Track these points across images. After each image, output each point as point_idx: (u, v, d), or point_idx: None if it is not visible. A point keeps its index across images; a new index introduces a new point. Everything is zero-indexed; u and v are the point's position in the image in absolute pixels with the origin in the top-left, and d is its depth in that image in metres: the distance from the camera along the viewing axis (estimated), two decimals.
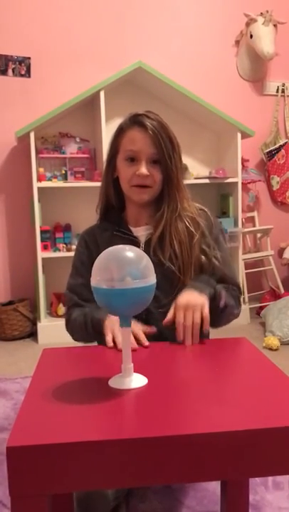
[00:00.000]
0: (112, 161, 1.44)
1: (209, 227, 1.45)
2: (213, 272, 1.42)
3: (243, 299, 3.64)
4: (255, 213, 3.96)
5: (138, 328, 1.26)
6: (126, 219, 1.49)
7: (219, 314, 1.36)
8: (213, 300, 1.33)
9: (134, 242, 1.41)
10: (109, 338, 1.23)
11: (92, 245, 1.47)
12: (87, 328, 1.35)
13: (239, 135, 3.48)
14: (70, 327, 1.45)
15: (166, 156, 1.37)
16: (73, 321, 1.42)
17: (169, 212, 1.41)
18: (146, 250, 1.36)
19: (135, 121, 1.38)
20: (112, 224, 1.48)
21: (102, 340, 1.27)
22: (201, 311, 1.26)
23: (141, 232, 1.45)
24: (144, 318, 1.35)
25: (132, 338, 1.19)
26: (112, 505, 1.32)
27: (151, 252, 1.37)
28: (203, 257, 1.41)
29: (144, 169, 1.36)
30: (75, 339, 1.46)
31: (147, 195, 1.40)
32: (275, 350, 2.96)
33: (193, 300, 1.27)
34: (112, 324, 1.26)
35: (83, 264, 1.46)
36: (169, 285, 1.37)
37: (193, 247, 1.41)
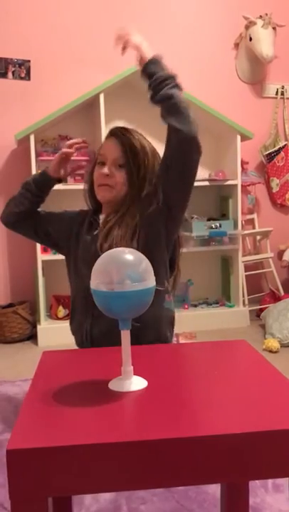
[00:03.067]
0: (92, 169, 1.65)
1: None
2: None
3: (243, 301, 3.64)
4: (254, 215, 3.96)
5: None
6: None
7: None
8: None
9: (94, 223, 1.64)
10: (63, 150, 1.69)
11: (68, 218, 1.76)
12: (27, 189, 1.72)
13: (239, 137, 3.48)
14: (5, 207, 1.81)
15: (130, 160, 1.54)
16: (9, 201, 1.79)
17: (126, 210, 1.55)
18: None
19: (110, 132, 1.62)
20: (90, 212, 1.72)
21: (42, 195, 1.73)
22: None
23: (101, 220, 1.63)
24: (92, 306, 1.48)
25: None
26: None
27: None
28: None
29: (106, 170, 1.55)
30: (7, 213, 1.78)
31: (108, 194, 1.57)
32: (275, 352, 2.96)
33: None
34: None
35: (60, 213, 1.80)
36: None
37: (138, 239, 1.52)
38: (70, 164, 1.78)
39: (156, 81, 1.56)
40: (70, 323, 1.68)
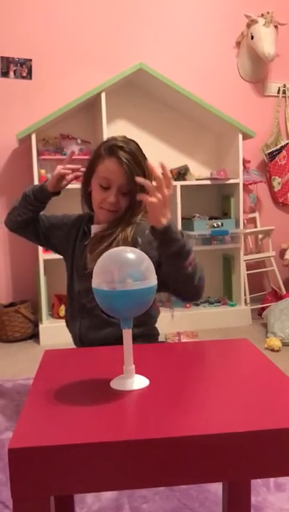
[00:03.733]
0: (88, 179, 1.66)
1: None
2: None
3: (245, 300, 3.64)
4: (256, 214, 3.96)
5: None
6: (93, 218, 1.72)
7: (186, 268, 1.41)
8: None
9: (86, 233, 1.70)
10: (58, 167, 1.70)
11: (62, 223, 1.83)
12: (27, 200, 1.77)
13: (240, 136, 3.48)
14: (9, 214, 1.91)
15: (136, 189, 1.50)
16: (12, 209, 1.87)
17: (120, 231, 1.56)
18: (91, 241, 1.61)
19: (112, 152, 1.55)
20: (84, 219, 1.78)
21: (39, 205, 1.77)
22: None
23: (94, 230, 1.67)
24: (80, 309, 1.65)
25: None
26: None
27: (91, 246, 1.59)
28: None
29: (113, 198, 1.56)
30: (11, 220, 1.89)
31: (112, 217, 1.60)
32: (277, 351, 2.96)
33: None
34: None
35: (59, 219, 1.86)
36: None
37: None
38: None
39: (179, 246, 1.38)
40: (66, 324, 1.79)
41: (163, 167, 1.26)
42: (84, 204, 1.76)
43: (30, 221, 1.83)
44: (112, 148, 1.56)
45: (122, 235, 1.54)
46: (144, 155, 1.60)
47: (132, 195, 1.54)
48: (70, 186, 3.50)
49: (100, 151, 1.59)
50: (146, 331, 1.63)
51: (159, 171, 1.27)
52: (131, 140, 1.60)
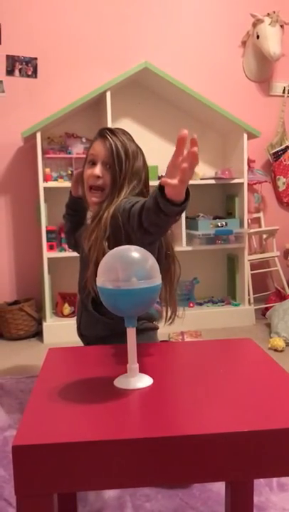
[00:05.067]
0: (83, 169, 1.70)
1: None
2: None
3: (249, 300, 3.64)
4: (260, 214, 3.95)
5: None
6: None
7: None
8: None
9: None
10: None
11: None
12: (65, 211, 1.94)
13: (245, 136, 3.47)
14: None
15: (116, 161, 1.58)
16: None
17: (104, 209, 1.59)
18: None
19: (100, 133, 1.66)
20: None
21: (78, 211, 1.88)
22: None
23: (89, 216, 1.75)
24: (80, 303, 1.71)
25: None
26: None
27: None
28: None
29: (97, 170, 1.61)
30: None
31: (98, 200, 1.63)
32: (281, 351, 2.96)
33: None
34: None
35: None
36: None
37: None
38: (76, 165, 1.91)
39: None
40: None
41: (194, 142, 1.03)
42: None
43: (72, 232, 1.94)
44: (100, 130, 1.68)
45: (106, 214, 1.57)
46: (134, 142, 1.67)
47: (114, 171, 1.60)
48: None
49: (92, 139, 1.71)
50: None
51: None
52: (123, 130, 1.69)
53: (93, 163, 1.64)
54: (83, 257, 1.71)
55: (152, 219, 1.27)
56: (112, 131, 1.66)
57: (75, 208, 1.90)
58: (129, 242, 1.44)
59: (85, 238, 1.63)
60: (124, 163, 1.61)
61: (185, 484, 1.52)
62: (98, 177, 1.62)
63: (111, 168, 1.61)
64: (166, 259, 1.62)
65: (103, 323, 1.62)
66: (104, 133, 1.65)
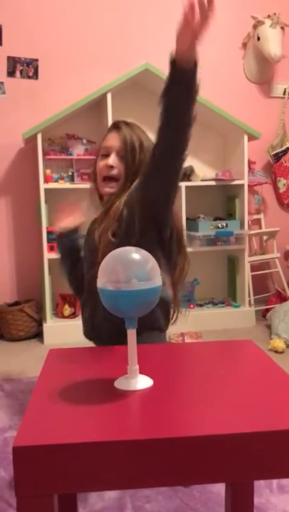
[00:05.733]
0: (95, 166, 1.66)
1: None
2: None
3: (249, 301, 3.64)
4: (261, 215, 3.95)
5: None
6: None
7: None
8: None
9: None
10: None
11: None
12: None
13: (246, 137, 3.48)
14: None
15: (129, 152, 1.56)
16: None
17: (114, 198, 1.57)
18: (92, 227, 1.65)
19: (112, 126, 1.64)
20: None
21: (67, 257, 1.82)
22: None
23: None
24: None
25: None
26: None
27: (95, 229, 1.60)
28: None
29: (111, 160, 1.57)
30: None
31: (112, 190, 1.58)
32: (281, 352, 2.96)
33: None
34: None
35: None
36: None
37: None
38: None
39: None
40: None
41: None
42: (95, 193, 1.72)
43: (73, 279, 1.85)
44: (114, 122, 1.66)
45: (118, 202, 1.55)
46: (147, 136, 1.63)
47: (127, 162, 1.57)
48: (77, 186, 3.49)
49: (104, 134, 1.68)
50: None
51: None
52: (137, 124, 1.66)
53: (107, 155, 1.60)
54: (87, 255, 1.68)
55: (166, 104, 1.40)
56: (126, 123, 1.63)
57: (70, 256, 1.82)
58: (143, 234, 1.48)
59: (95, 229, 1.60)
60: (139, 154, 1.57)
61: (185, 485, 1.52)
62: (112, 167, 1.57)
63: (124, 159, 1.57)
64: (178, 255, 1.60)
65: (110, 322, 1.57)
66: (118, 124, 1.62)
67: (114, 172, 1.58)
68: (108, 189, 1.60)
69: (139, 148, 1.58)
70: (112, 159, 1.57)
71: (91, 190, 1.71)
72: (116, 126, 1.63)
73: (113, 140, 1.60)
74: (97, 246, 1.53)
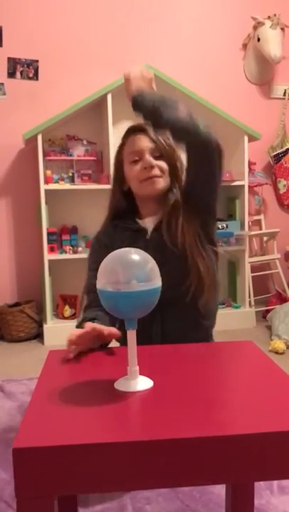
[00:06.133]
0: (120, 174, 1.56)
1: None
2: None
3: (249, 302, 3.64)
4: (261, 216, 3.95)
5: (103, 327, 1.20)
6: (135, 217, 1.59)
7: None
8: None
9: (140, 230, 1.53)
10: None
11: (109, 243, 1.51)
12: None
13: (246, 138, 3.48)
14: None
15: (167, 149, 1.50)
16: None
17: (175, 202, 1.51)
18: (154, 235, 1.50)
19: (132, 129, 1.55)
20: (121, 221, 1.58)
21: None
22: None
23: (148, 224, 1.54)
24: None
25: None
26: None
27: (159, 237, 1.48)
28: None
29: (148, 160, 1.47)
30: None
31: (159, 184, 1.50)
32: (281, 353, 2.95)
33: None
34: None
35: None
36: (180, 268, 1.44)
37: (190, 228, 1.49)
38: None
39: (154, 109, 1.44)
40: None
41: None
42: (120, 201, 1.59)
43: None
44: (131, 127, 1.56)
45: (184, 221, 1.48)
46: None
47: (169, 159, 1.51)
48: (78, 187, 3.50)
49: (121, 141, 1.57)
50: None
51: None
52: None
53: (137, 161, 1.50)
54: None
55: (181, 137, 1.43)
56: (146, 124, 1.53)
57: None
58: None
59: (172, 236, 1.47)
60: (172, 149, 1.53)
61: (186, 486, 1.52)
62: (152, 167, 1.48)
63: (163, 157, 1.51)
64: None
65: (200, 324, 1.50)
66: (140, 127, 1.53)
67: (156, 172, 1.49)
68: (153, 186, 1.50)
69: (170, 146, 1.53)
70: (149, 160, 1.48)
71: (113, 193, 1.61)
72: (136, 129, 1.54)
73: (141, 142, 1.51)
74: (175, 247, 1.45)
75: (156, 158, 1.50)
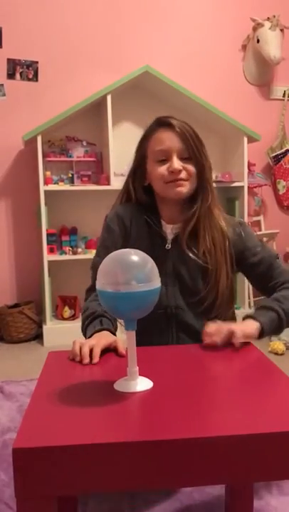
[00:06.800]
0: (141, 169, 1.46)
1: (242, 242, 1.47)
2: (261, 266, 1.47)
3: (249, 303, 3.64)
4: (261, 217, 3.95)
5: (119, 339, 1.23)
6: (160, 213, 1.50)
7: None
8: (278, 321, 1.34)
9: (161, 235, 1.45)
10: (76, 349, 1.17)
11: (127, 222, 1.48)
12: (84, 324, 1.39)
13: (245, 139, 3.48)
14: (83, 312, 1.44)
15: (195, 150, 1.40)
16: (85, 309, 1.43)
17: (202, 208, 1.43)
18: (174, 246, 1.43)
19: (159, 123, 1.42)
20: (145, 210, 1.48)
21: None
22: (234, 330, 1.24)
23: (170, 230, 1.47)
24: (174, 312, 1.42)
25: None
26: None
27: (179, 248, 1.42)
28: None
29: (176, 164, 1.37)
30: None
31: (184, 188, 1.40)
32: (281, 354, 2.95)
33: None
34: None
35: (115, 243, 1.46)
36: (201, 280, 1.41)
37: (227, 248, 1.43)
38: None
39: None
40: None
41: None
42: (136, 194, 1.50)
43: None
44: (158, 120, 1.44)
45: (220, 224, 1.43)
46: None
47: (197, 160, 1.41)
48: (77, 188, 3.49)
49: (146, 132, 1.46)
50: None
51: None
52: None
53: (163, 161, 1.40)
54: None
55: None
56: (174, 118, 1.44)
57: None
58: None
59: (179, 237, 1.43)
60: (202, 151, 1.44)
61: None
62: (180, 171, 1.39)
63: (192, 160, 1.40)
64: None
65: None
66: (167, 122, 1.41)
67: (183, 175, 1.40)
68: (179, 189, 1.40)
69: (198, 141, 1.43)
70: (177, 163, 1.38)
71: (127, 186, 1.52)
72: (166, 123, 1.42)
73: (169, 140, 1.39)
74: (197, 257, 1.41)
75: (184, 159, 1.40)
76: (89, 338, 1.25)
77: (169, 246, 1.45)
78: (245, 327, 1.27)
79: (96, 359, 1.13)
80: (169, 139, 1.40)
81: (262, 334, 1.28)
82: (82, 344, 1.18)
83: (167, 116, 1.44)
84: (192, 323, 1.42)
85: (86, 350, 1.15)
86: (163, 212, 1.49)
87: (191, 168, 1.40)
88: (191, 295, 1.42)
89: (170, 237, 1.46)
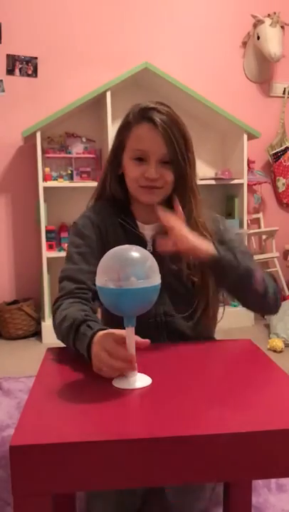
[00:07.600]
0: (117, 157, 1.34)
1: (220, 235, 1.34)
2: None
3: None
4: (260, 215, 3.95)
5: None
6: (133, 213, 1.36)
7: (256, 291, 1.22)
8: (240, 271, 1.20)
9: (139, 238, 1.31)
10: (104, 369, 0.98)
11: (102, 228, 1.34)
12: (69, 338, 1.11)
13: (245, 136, 3.47)
14: (57, 325, 1.19)
15: (178, 155, 1.24)
16: (61, 319, 1.16)
17: (189, 224, 1.26)
18: (155, 250, 1.24)
19: (144, 116, 1.25)
20: (118, 212, 1.35)
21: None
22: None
23: (147, 231, 1.34)
24: (164, 320, 1.30)
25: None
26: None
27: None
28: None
29: (153, 172, 1.24)
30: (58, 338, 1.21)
31: (157, 197, 1.28)
32: (280, 352, 2.96)
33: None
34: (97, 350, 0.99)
35: (91, 250, 1.30)
36: (184, 290, 1.30)
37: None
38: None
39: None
40: None
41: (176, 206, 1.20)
42: (112, 188, 1.38)
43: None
44: (143, 111, 1.26)
45: (200, 221, 1.29)
46: (181, 120, 1.30)
47: (178, 166, 1.25)
48: (77, 185, 3.48)
49: (128, 120, 1.29)
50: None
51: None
52: (164, 103, 1.30)
53: (141, 160, 1.26)
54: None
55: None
56: (158, 110, 1.25)
57: None
58: None
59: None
60: (187, 154, 1.27)
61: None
62: (156, 179, 1.26)
63: (173, 166, 1.26)
64: None
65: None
66: (150, 116, 1.24)
67: (158, 183, 1.26)
68: (151, 197, 1.28)
69: (185, 146, 1.27)
70: (155, 170, 1.24)
71: (105, 177, 1.41)
72: (150, 119, 1.24)
73: (150, 141, 1.24)
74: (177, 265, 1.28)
75: (164, 163, 1.25)
76: (87, 345, 1.03)
77: (150, 249, 1.30)
78: (201, 241, 1.19)
79: (134, 361, 0.96)
80: (149, 140, 1.24)
81: (214, 263, 1.18)
82: (105, 358, 0.96)
83: (153, 107, 1.25)
84: (183, 330, 1.31)
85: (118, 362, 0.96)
86: (137, 211, 1.36)
87: (168, 175, 1.26)
88: (179, 299, 1.30)
89: (149, 238, 1.33)
